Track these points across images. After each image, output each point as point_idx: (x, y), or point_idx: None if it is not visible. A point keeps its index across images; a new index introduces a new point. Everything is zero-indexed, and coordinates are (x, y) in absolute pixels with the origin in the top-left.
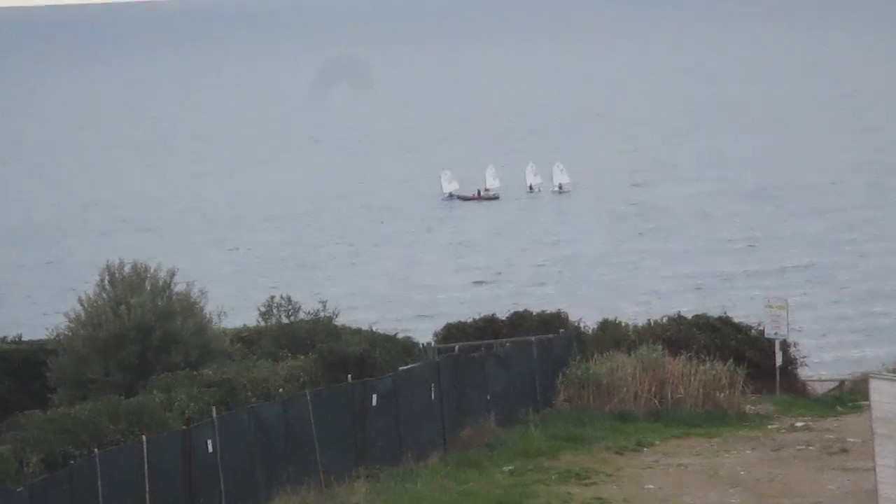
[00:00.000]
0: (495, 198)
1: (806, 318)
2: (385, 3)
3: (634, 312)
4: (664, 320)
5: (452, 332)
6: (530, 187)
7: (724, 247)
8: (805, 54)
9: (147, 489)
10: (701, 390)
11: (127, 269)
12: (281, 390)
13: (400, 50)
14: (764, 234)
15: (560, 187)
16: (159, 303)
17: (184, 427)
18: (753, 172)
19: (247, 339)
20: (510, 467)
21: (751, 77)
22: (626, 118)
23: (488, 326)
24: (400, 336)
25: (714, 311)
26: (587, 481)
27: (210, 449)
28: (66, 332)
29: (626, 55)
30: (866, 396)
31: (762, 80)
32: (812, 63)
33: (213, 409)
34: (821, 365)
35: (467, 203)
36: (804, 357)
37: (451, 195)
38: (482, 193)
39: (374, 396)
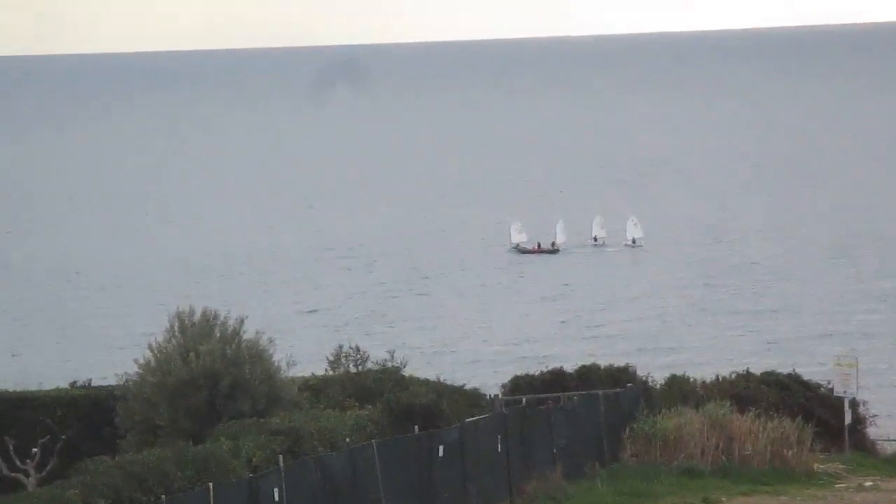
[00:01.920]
0: (556, 251)
1: (878, 376)
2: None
3: (703, 368)
4: (732, 376)
5: (520, 385)
6: (595, 238)
7: (802, 303)
8: (872, 109)
9: None
10: (769, 447)
11: (197, 315)
12: (348, 440)
13: (473, 96)
14: (835, 290)
15: (633, 241)
16: (228, 350)
17: (250, 475)
18: (830, 228)
19: (314, 388)
20: None
21: (824, 131)
22: (702, 172)
23: (556, 380)
24: (468, 387)
25: (783, 369)
26: None
27: (276, 497)
28: (136, 378)
29: (700, 109)
30: None
31: (836, 134)
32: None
33: (280, 457)
34: (891, 424)
35: (541, 256)
36: (873, 416)
37: (516, 247)
38: (541, 247)
39: (441, 447)
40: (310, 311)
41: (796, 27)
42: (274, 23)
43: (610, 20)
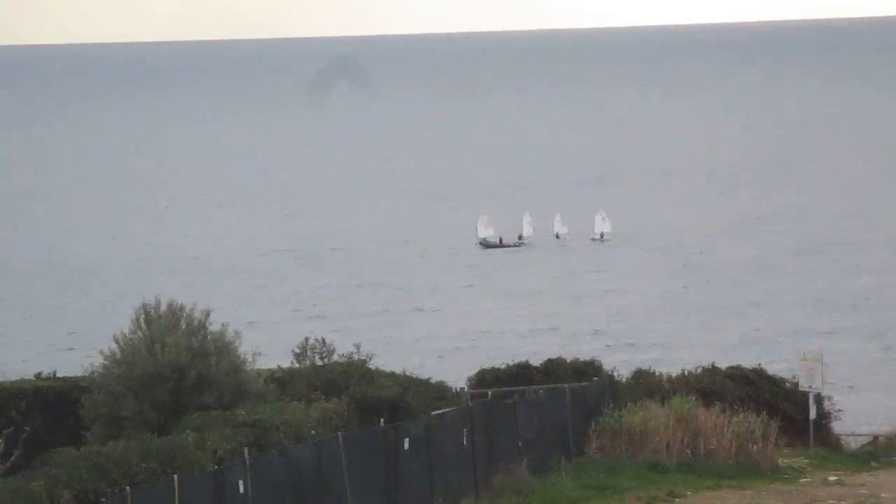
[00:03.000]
0: (519, 245)
1: (843, 371)
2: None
3: (669, 362)
4: (698, 371)
5: (486, 378)
6: (556, 235)
7: (771, 300)
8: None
9: None
10: (734, 442)
11: (163, 308)
12: (313, 432)
13: (451, 95)
14: (806, 287)
15: (601, 236)
16: (194, 342)
17: (216, 467)
18: (808, 225)
19: (280, 381)
20: None
21: (813, 127)
22: (682, 168)
23: (522, 373)
24: (433, 381)
25: (749, 364)
26: None
27: (241, 490)
28: (101, 370)
29: (685, 105)
30: None
31: (825, 130)
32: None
33: (246, 449)
34: (855, 419)
35: (506, 250)
36: (838, 411)
37: (482, 241)
38: (503, 241)
39: (406, 441)
40: (277, 305)
41: (791, 21)
42: (256, 15)
43: (601, 13)
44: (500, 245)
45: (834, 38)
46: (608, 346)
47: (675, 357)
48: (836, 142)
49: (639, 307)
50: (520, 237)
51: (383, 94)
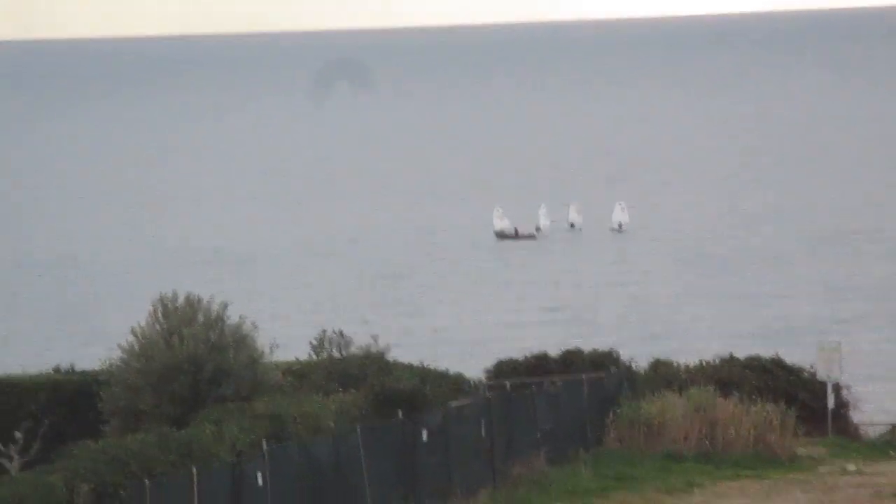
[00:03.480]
0: (533, 236)
1: (861, 360)
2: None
3: (687, 353)
4: (716, 361)
5: (503, 369)
6: (571, 224)
7: (791, 290)
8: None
9: None
10: (752, 432)
11: (180, 300)
12: (332, 425)
13: (460, 88)
14: (828, 277)
15: (620, 226)
16: (212, 335)
17: (234, 460)
18: (825, 217)
19: (298, 373)
20: None
21: (822, 119)
22: (696, 161)
23: (540, 364)
24: (451, 372)
25: (767, 353)
26: None
27: (260, 482)
28: (119, 363)
29: (695, 97)
30: None
31: (835, 122)
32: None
33: (264, 442)
34: (874, 408)
35: (521, 242)
36: (857, 400)
37: (497, 233)
38: (519, 232)
39: (425, 432)
40: (294, 297)
41: (795, 11)
42: (257, 9)
43: (610, 3)
44: (516, 236)
45: (846, 28)
46: (626, 336)
47: (694, 348)
48: (850, 132)
49: (657, 297)
50: (537, 229)
51: (390, 88)
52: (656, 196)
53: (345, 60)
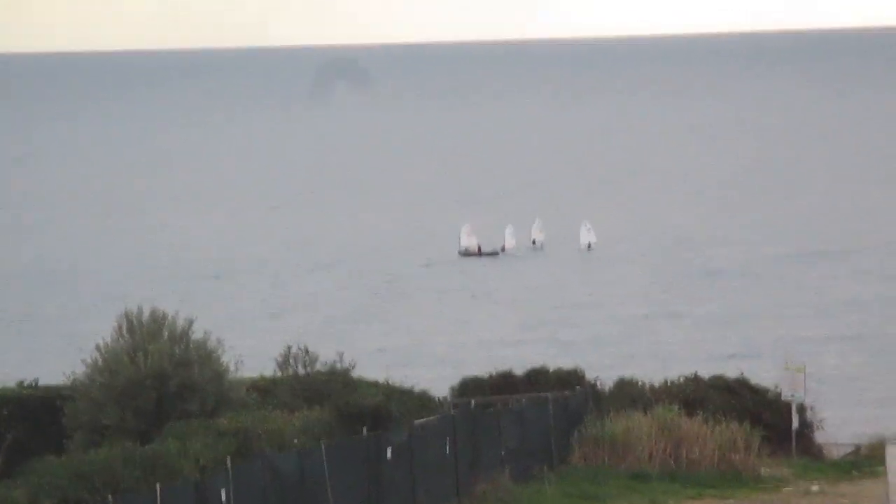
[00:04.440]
0: (494, 254)
1: (825, 381)
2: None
3: (652, 372)
4: (681, 380)
5: (469, 387)
6: (533, 242)
7: (757, 309)
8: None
9: None
10: (716, 451)
11: (145, 316)
12: (296, 441)
13: (435, 104)
14: (796, 297)
15: (589, 246)
16: (177, 350)
17: (198, 476)
18: (802, 234)
19: (263, 389)
20: None
21: (808, 136)
22: (675, 177)
23: (505, 382)
24: (416, 390)
25: (733, 373)
26: None
27: (224, 498)
28: (83, 378)
29: (679, 114)
30: (882, 462)
31: (820, 139)
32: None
33: (228, 458)
34: (837, 429)
35: (485, 259)
36: (821, 420)
37: (461, 251)
38: (482, 250)
39: (389, 449)
40: (258, 312)
41: (788, 30)
42: (255, 23)
43: (596, 21)
44: (479, 254)
45: (831, 47)
46: (593, 355)
47: (659, 367)
48: (830, 150)
49: (623, 317)
50: (502, 248)
51: (379, 103)
52: (629, 212)
53: (340, 63)
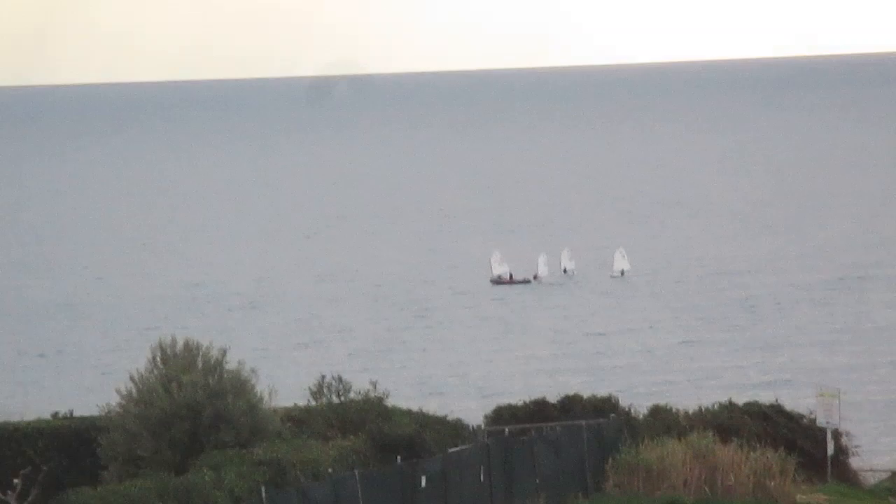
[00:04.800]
0: (526, 282)
1: (861, 407)
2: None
3: (687, 399)
4: (715, 407)
5: (503, 415)
6: (564, 270)
7: (793, 336)
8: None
9: None
10: (751, 478)
11: (179, 346)
12: (330, 470)
13: (464, 132)
14: (829, 324)
15: (622, 273)
16: (210, 381)
17: None
18: (830, 263)
19: (297, 419)
20: None
21: (832, 164)
22: (702, 206)
23: (539, 410)
24: (450, 418)
25: (767, 400)
26: None
27: None
28: (118, 409)
29: (702, 142)
30: None
31: (843, 166)
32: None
33: (263, 488)
34: (872, 455)
35: (517, 287)
36: (856, 446)
37: (494, 278)
38: (514, 278)
39: (424, 478)
40: (301, 344)
41: (806, 57)
42: (249, 54)
43: (613, 50)
44: (511, 281)
45: (849, 73)
46: (626, 382)
47: (693, 394)
48: (855, 178)
49: (657, 344)
50: (535, 277)
51: (398, 129)
52: (658, 241)
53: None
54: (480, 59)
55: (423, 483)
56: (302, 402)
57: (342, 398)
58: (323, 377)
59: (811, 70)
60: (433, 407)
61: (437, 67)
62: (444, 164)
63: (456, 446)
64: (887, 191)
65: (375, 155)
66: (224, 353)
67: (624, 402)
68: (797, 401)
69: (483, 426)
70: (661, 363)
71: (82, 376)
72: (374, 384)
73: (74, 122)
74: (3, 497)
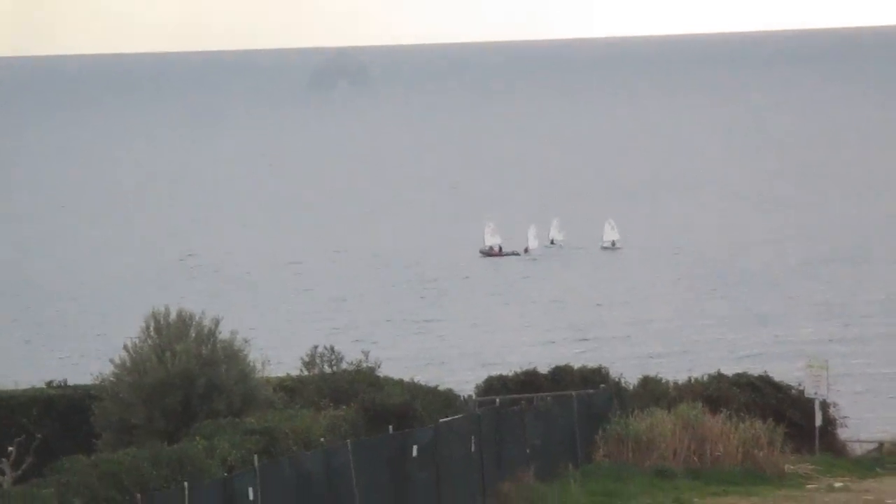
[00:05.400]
0: (515, 254)
1: (848, 378)
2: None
3: (676, 370)
4: (704, 378)
5: (493, 385)
6: (551, 241)
7: (784, 309)
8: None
9: None
10: (740, 448)
11: (172, 316)
12: (322, 440)
13: (462, 105)
14: (820, 297)
15: (613, 244)
16: (204, 350)
17: (225, 474)
18: (822, 237)
19: (289, 389)
20: None
21: (830, 138)
22: (699, 180)
23: (529, 380)
24: (441, 388)
25: (755, 371)
26: None
27: (251, 497)
28: (111, 378)
29: (700, 115)
30: None
31: (842, 141)
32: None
33: (255, 457)
34: (860, 426)
35: (508, 259)
36: (844, 417)
37: (485, 250)
38: (503, 250)
39: (415, 447)
40: (283, 313)
41: (800, 30)
42: (257, 24)
43: (608, 23)
44: (500, 254)
45: (848, 46)
46: (616, 354)
47: (683, 366)
48: (852, 152)
49: (647, 316)
50: (525, 249)
51: (390, 104)
52: (650, 215)
53: (348, 63)
54: (476, 31)
55: (415, 452)
56: (294, 373)
57: (334, 368)
58: (315, 347)
59: (802, 44)
60: (424, 378)
61: (433, 40)
62: (440, 138)
63: (447, 416)
64: (889, 167)
65: (372, 129)
66: (217, 322)
67: (614, 373)
68: (788, 374)
69: (474, 396)
70: (652, 335)
71: (78, 345)
72: (366, 354)
73: (71, 93)
74: None
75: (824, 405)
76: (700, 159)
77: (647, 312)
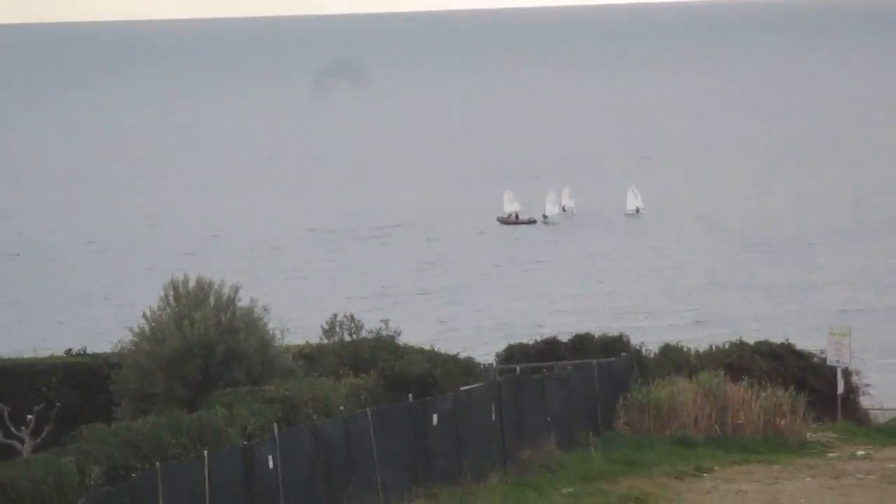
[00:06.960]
0: (532, 222)
1: (871, 346)
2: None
3: (698, 338)
4: (726, 346)
5: (514, 354)
6: (563, 209)
7: (810, 277)
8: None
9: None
10: (762, 416)
11: (191, 284)
12: (342, 408)
13: (471, 72)
14: (844, 266)
15: (637, 210)
16: (223, 318)
17: (245, 442)
18: (848, 206)
19: (309, 357)
20: (569, 490)
21: (848, 107)
22: (717, 148)
23: (550, 348)
24: (461, 356)
25: (777, 338)
26: None
27: (271, 465)
28: (130, 346)
29: (716, 84)
30: None
31: (861, 110)
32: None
33: (275, 425)
34: (883, 394)
35: (520, 227)
36: (866, 385)
37: (502, 217)
38: (519, 218)
39: (435, 416)
40: (305, 283)
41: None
42: None
43: None
44: (517, 222)
45: (867, 15)
46: (636, 321)
47: (705, 335)
48: (876, 120)
49: (667, 283)
50: (544, 216)
51: (401, 74)
52: (672, 182)
53: (345, 57)
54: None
55: (435, 421)
56: (314, 341)
57: (354, 336)
58: (335, 315)
59: (816, 11)
60: (445, 346)
61: (443, 6)
62: (456, 106)
63: (467, 384)
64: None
65: (386, 97)
66: (236, 290)
67: (635, 341)
68: (811, 341)
69: (494, 364)
70: (675, 301)
71: (98, 313)
72: (386, 322)
73: (88, 60)
74: (17, 432)
75: (846, 373)
76: (721, 126)
77: (669, 281)
